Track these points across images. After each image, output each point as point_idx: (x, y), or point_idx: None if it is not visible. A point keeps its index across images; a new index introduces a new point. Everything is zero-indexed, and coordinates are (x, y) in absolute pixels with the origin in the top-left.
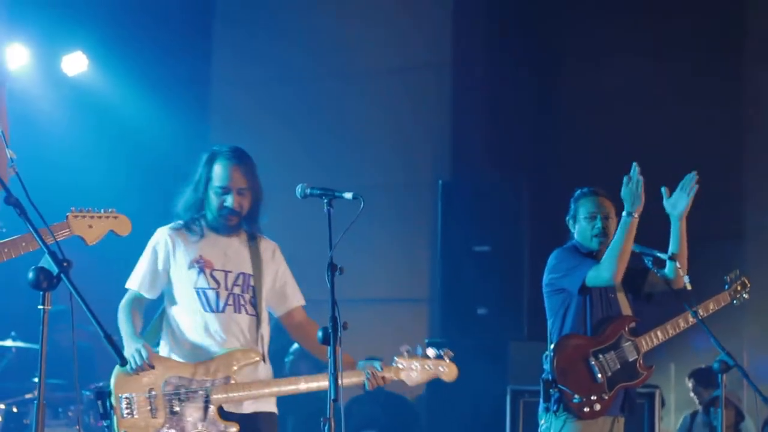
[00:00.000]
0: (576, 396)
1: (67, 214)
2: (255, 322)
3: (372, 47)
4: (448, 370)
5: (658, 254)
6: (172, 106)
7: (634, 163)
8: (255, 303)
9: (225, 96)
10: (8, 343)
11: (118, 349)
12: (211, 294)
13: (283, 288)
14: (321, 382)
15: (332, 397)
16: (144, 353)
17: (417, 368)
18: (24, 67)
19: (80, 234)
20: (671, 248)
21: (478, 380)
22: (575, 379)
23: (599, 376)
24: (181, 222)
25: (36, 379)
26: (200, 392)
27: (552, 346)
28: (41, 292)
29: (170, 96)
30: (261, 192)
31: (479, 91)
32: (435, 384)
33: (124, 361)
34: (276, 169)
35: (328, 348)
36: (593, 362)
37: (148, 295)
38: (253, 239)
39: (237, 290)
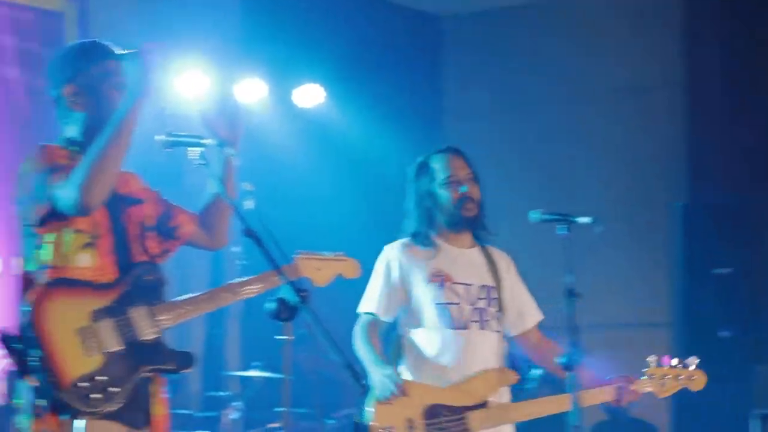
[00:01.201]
0: None
1: (295, 256)
2: (499, 338)
3: (602, 69)
4: (697, 378)
5: None
6: (406, 138)
7: None
8: (500, 317)
9: (458, 125)
10: (252, 373)
11: (359, 377)
12: (454, 309)
13: (520, 305)
14: (562, 405)
15: (574, 424)
16: (396, 379)
17: (667, 378)
18: (260, 100)
19: (309, 276)
20: None
21: (722, 404)
22: None
23: None
24: (408, 237)
25: (280, 409)
26: (460, 420)
27: None
28: (281, 323)
29: (403, 126)
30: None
31: (717, 110)
32: (677, 406)
33: (365, 389)
34: (510, 195)
35: (570, 375)
36: None
37: (384, 318)
38: (485, 249)
39: (481, 304)
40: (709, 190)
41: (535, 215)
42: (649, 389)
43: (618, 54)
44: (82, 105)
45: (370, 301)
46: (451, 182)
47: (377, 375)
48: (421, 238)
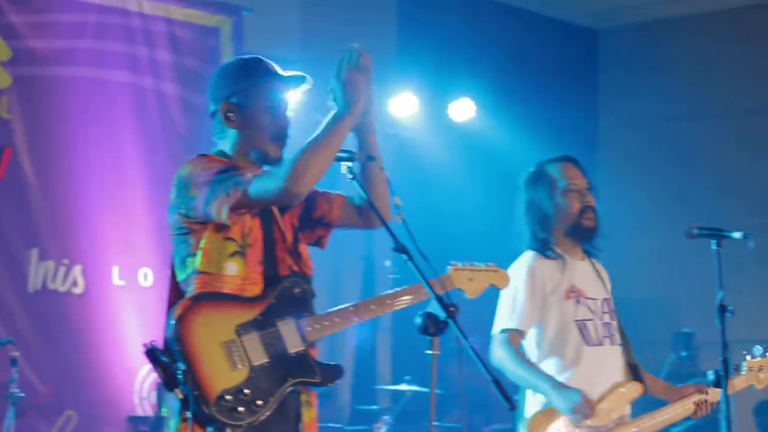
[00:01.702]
0: None
1: (449, 267)
2: (622, 351)
3: (754, 85)
4: None
5: None
6: (558, 151)
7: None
8: (621, 331)
9: (610, 139)
10: (403, 387)
11: (506, 393)
12: (590, 326)
13: None
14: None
15: None
16: (587, 400)
17: (762, 370)
18: (413, 115)
19: (461, 287)
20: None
21: None
22: None
23: None
24: (535, 249)
25: (432, 423)
26: None
27: None
28: (430, 337)
29: (556, 140)
30: None
31: None
32: None
33: (512, 405)
34: (654, 211)
35: (720, 391)
36: None
37: (529, 333)
38: (592, 262)
39: (607, 318)
40: None
41: (688, 230)
42: (752, 383)
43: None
44: (236, 122)
45: (516, 317)
46: (572, 190)
47: (565, 396)
48: (547, 250)
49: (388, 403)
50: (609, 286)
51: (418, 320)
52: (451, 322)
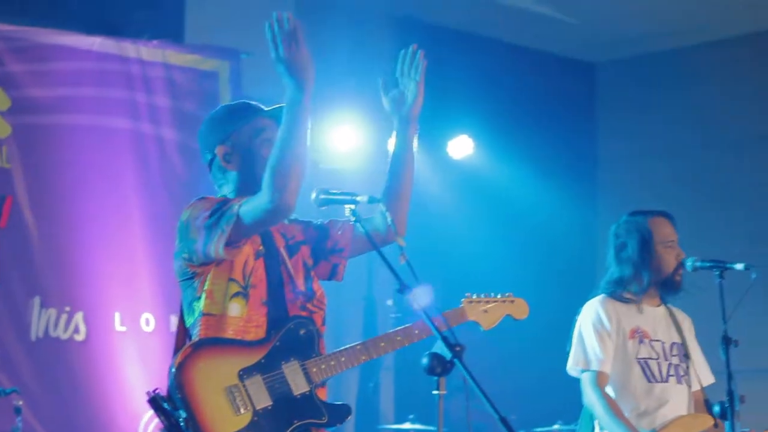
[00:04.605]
0: None
1: (462, 300)
2: (691, 393)
3: (756, 112)
4: None
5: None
6: (560, 187)
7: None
8: (689, 373)
9: (613, 174)
10: (407, 426)
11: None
12: (653, 364)
13: (696, 365)
14: None
15: None
16: None
17: None
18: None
19: (475, 319)
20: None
21: None
22: None
23: None
24: (606, 292)
25: None
26: None
27: None
28: (436, 377)
29: (557, 176)
30: None
31: None
32: None
33: None
34: None
35: (726, 423)
36: None
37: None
38: (668, 309)
39: (675, 360)
40: None
41: (689, 263)
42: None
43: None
44: (235, 164)
45: (600, 360)
46: (672, 246)
47: None
48: (621, 294)
49: None
50: (687, 333)
51: (425, 361)
52: (458, 362)
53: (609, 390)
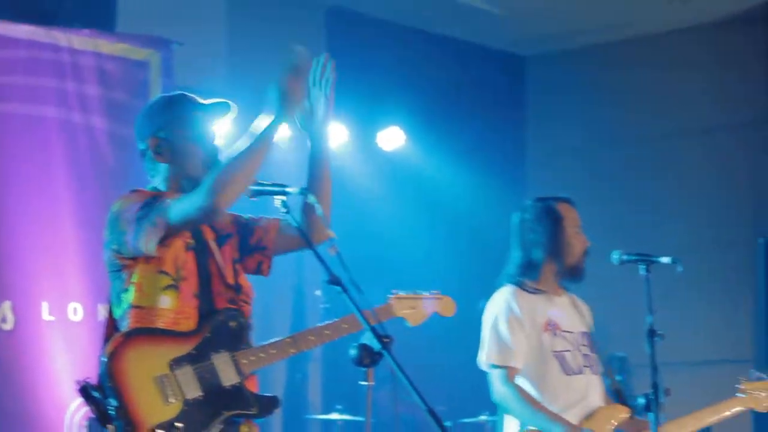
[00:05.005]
0: None
1: (389, 296)
2: (601, 382)
3: (682, 109)
4: None
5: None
6: (490, 179)
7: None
8: (598, 362)
9: (542, 166)
10: (334, 416)
11: (440, 422)
12: (568, 356)
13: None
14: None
15: None
16: None
17: (765, 392)
18: (343, 145)
19: (403, 316)
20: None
21: None
22: None
23: None
24: (515, 283)
25: None
26: None
27: None
28: (364, 369)
29: (487, 168)
30: None
31: None
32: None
33: None
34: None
35: (650, 415)
36: None
37: (521, 368)
38: (571, 297)
39: (585, 350)
40: None
41: (616, 256)
42: (750, 405)
43: (698, 94)
44: (166, 157)
45: (512, 354)
46: (580, 232)
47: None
48: (527, 285)
49: None
50: (589, 320)
51: (353, 352)
52: (386, 354)
53: (528, 387)
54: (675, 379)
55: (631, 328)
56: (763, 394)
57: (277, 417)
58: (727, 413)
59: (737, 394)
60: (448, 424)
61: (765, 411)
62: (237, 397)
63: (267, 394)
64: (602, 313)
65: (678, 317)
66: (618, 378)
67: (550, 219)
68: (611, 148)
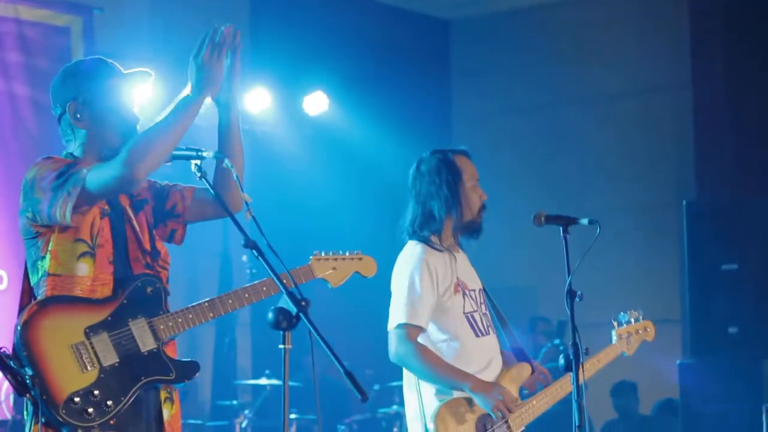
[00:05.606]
0: None
1: (310, 257)
2: (497, 341)
3: (609, 72)
4: (649, 329)
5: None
6: (415, 143)
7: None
8: (500, 317)
9: (467, 130)
10: (263, 381)
11: (359, 386)
12: (477, 317)
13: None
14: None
15: (577, 424)
16: (511, 397)
17: (631, 335)
18: (266, 110)
19: (324, 277)
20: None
21: (733, 399)
22: None
23: None
24: (421, 240)
25: (292, 416)
26: (505, 424)
27: None
28: (282, 332)
29: (412, 133)
30: None
31: (722, 110)
32: (687, 401)
33: (365, 397)
34: (516, 198)
35: (571, 374)
36: None
37: (426, 329)
38: (465, 254)
39: (483, 308)
40: (716, 189)
41: (535, 217)
42: (622, 350)
43: (625, 56)
44: (85, 123)
45: (417, 313)
46: (477, 186)
47: (490, 392)
48: (430, 240)
49: (249, 397)
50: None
51: (270, 315)
52: (303, 316)
53: (446, 351)
54: (604, 339)
55: (562, 290)
56: (632, 339)
57: (206, 382)
58: (606, 361)
59: (612, 341)
60: (376, 387)
61: (632, 353)
62: (155, 362)
63: (186, 359)
64: (533, 275)
65: (606, 277)
66: (557, 342)
67: (449, 172)
68: (537, 110)
